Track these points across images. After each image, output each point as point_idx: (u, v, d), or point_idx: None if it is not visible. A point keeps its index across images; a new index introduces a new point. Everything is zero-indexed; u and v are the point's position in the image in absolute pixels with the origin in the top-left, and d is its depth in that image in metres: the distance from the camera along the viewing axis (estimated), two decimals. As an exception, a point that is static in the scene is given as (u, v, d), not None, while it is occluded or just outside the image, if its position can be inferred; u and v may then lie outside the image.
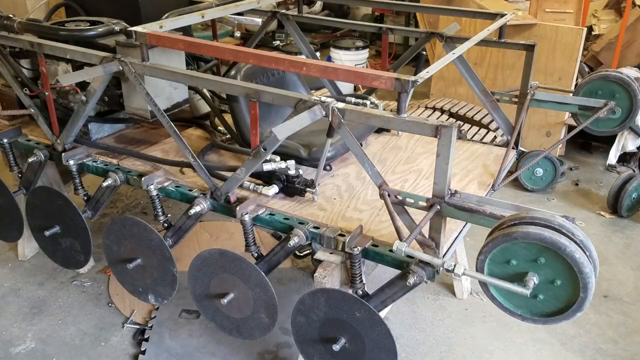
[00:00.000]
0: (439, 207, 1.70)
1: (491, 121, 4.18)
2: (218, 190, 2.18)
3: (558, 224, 1.51)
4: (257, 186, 2.24)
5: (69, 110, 2.64)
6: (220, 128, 2.73)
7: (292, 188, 2.23)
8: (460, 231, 2.07)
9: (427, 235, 1.81)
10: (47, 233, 2.49)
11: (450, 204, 1.71)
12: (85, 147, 2.60)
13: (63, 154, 2.54)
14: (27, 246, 3.24)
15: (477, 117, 4.23)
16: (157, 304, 2.83)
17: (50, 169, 2.87)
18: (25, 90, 2.67)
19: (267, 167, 2.19)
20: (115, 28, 2.33)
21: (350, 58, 5.61)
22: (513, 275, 1.59)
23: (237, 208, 2.11)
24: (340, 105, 1.82)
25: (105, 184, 2.43)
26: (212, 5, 2.68)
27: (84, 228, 2.43)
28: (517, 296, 1.61)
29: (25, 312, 2.87)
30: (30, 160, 2.63)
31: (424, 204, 1.74)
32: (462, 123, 4.17)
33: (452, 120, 4.09)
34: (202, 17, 2.47)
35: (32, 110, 2.65)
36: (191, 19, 2.43)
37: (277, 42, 6.00)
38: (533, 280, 1.55)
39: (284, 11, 3.04)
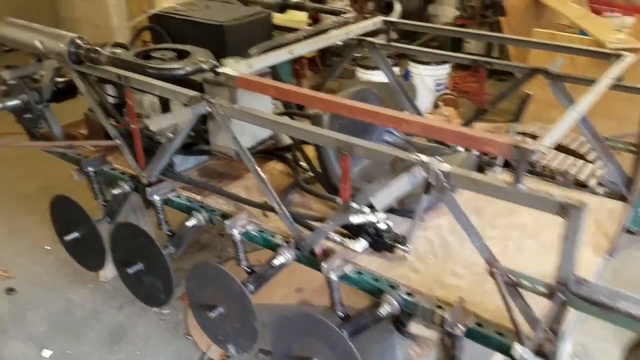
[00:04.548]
0: (563, 297, 1.49)
1: (588, 152, 3.82)
2: (303, 241, 2.08)
3: None
4: (344, 239, 2.12)
5: (153, 141, 2.62)
6: (302, 162, 2.63)
7: (380, 243, 2.09)
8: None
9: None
10: (130, 270, 2.47)
11: (577, 295, 1.49)
12: (170, 182, 2.57)
13: (148, 188, 2.52)
14: (108, 268, 3.27)
15: (573, 145, 3.89)
16: (237, 355, 2.74)
17: (134, 195, 2.87)
18: (111, 120, 2.68)
19: (355, 220, 2.05)
20: (204, 67, 2.26)
21: (430, 73, 5.38)
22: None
23: (323, 264, 1.99)
24: (445, 168, 1.65)
25: (189, 224, 2.39)
26: (300, 38, 2.57)
27: (166, 268, 2.39)
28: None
29: (105, 339, 2.90)
30: (115, 192, 2.64)
31: (544, 290, 1.53)
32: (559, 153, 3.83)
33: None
34: (291, 53, 2.37)
35: (118, 141, 2.65)
36: (280, 56, 2.33)
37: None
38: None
39: (370, 39, 2.88)
